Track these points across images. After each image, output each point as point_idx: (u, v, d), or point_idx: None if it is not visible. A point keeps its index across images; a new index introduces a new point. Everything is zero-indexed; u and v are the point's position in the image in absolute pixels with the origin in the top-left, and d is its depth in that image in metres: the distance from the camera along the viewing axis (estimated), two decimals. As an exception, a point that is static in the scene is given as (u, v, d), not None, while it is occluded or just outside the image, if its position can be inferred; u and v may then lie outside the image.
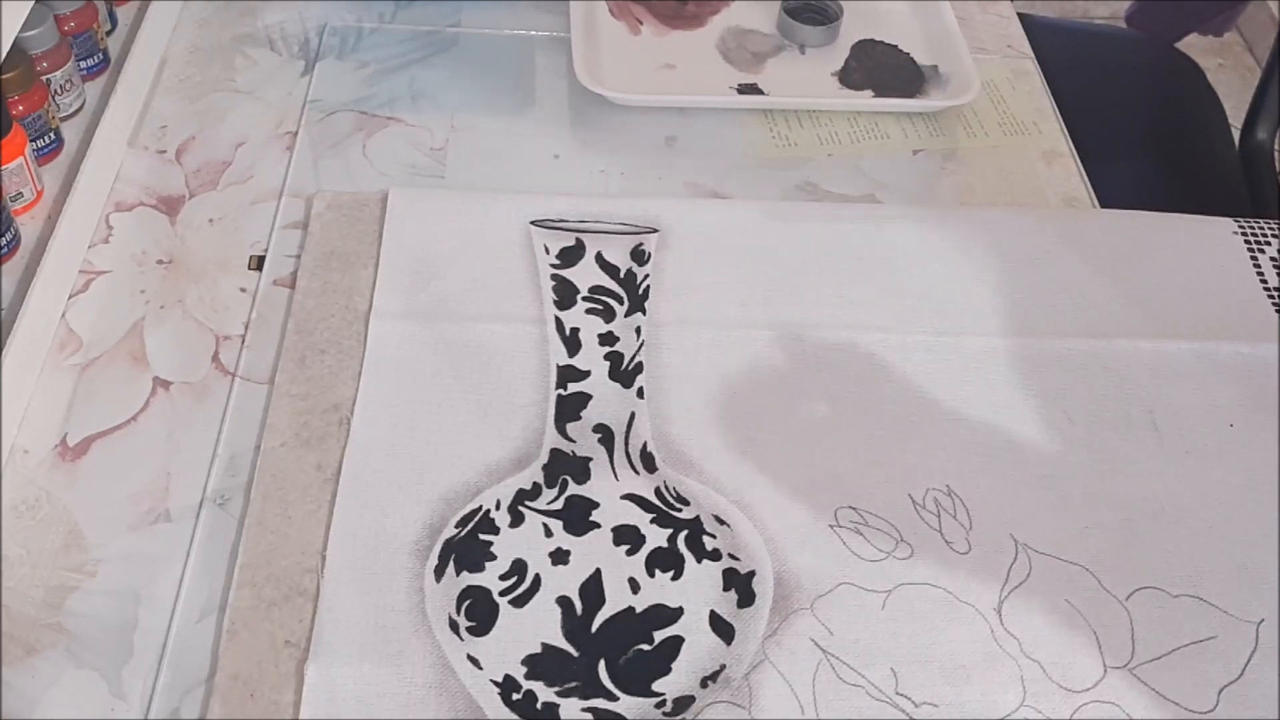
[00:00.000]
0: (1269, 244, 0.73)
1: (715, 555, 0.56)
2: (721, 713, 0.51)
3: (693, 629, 0.53)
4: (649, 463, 0.59)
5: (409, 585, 0.54)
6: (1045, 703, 0.52)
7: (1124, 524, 0.59)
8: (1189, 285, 0.70)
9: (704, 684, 0.52)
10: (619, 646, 0.52)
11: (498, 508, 0.57)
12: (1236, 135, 1.11)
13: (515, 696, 0.51)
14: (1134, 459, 0.61)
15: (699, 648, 0.53)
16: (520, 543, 0.55)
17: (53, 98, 0.69)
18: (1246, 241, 0.73)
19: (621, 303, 0.66)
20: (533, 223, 0.69)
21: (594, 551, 0.55)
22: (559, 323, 0.65)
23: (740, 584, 0.55)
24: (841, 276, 0.69)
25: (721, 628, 0.53)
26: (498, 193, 0.71)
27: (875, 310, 0.67)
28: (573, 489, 0.58)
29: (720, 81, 0.82)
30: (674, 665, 0.52)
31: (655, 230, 0.70)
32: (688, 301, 0.67)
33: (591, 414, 0.61)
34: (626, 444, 0.60)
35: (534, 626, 0.53)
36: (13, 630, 0.52)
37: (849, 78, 0.84)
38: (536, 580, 0.54)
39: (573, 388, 0.62)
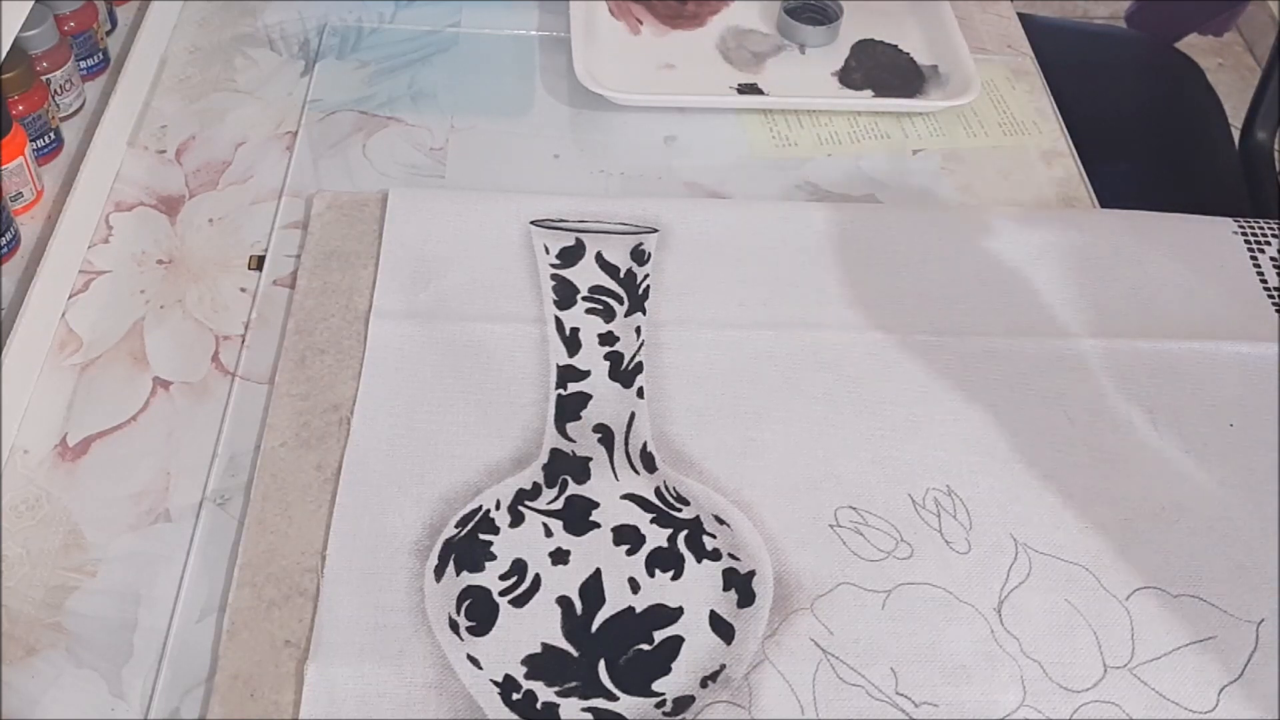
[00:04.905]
0: (1269, 244, 0.73)
1: (715, 555, 0.56)
2: (721, 713, 0.51)
3: (693, 629, 0.53)
4: (649, 463, 0.59)
5: (409, 585, 0.54)
6: (1045, 703, 0.52)
7: (1124, 524, 0.59)
8: (1189, 285, 0.70)
9: (704, 684, 0.52)
10: (619, 646, 0.52)
11: (498, 508, 0.57)
12: (1236, 135, 1.11)
13: (515, 696, 0.51)
14: (1134, 459, 0.61)
15: (699, 648, 0.53)
16: (520, 543, 0.55)
17: (53, 98, 0.69)
18: (1246, 241, 0.73)
19: (621, 303, 0.66)
20: (533, 223, 0.69)
21: (594, 551, 0.55)
22: (559, 323, 0.65)
23: (740, 584, 0.55)
24: (842, 276, 0.69)
25: (721, 628, 0.53)
26: (498, 193, 0.71)
27: (875, 310, 0.67)
28: (573, 489, 0.58)
29: (720, 81, 0.82)
30: (674, 665, 0.52)
31: (655, 230, 0.70)
32: (688, 301, 0.67)
33: (591, 414, 0.61)
34: (626, 444, 0.60)
35: (534, 626, 0.53)
36: (13, 630, 0.52)
37: (849, 78, 0.84)
38: (536, 580, 0.54)
39: (573, 387, 0.62)
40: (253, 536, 0.55)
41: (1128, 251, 0.72)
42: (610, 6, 0.87)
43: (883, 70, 0.84)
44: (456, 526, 0.56)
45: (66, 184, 0.68)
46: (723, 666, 0.52)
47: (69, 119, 0.72)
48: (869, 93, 0.83)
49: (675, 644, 0.53)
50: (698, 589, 0.54)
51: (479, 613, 0.53)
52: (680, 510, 0.57)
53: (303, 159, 0.74)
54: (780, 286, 0.68)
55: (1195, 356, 0.66)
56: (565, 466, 0.58)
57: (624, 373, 0.63)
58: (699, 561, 0.55)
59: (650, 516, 0.57)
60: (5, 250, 0.63)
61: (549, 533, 0.56)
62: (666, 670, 0.52)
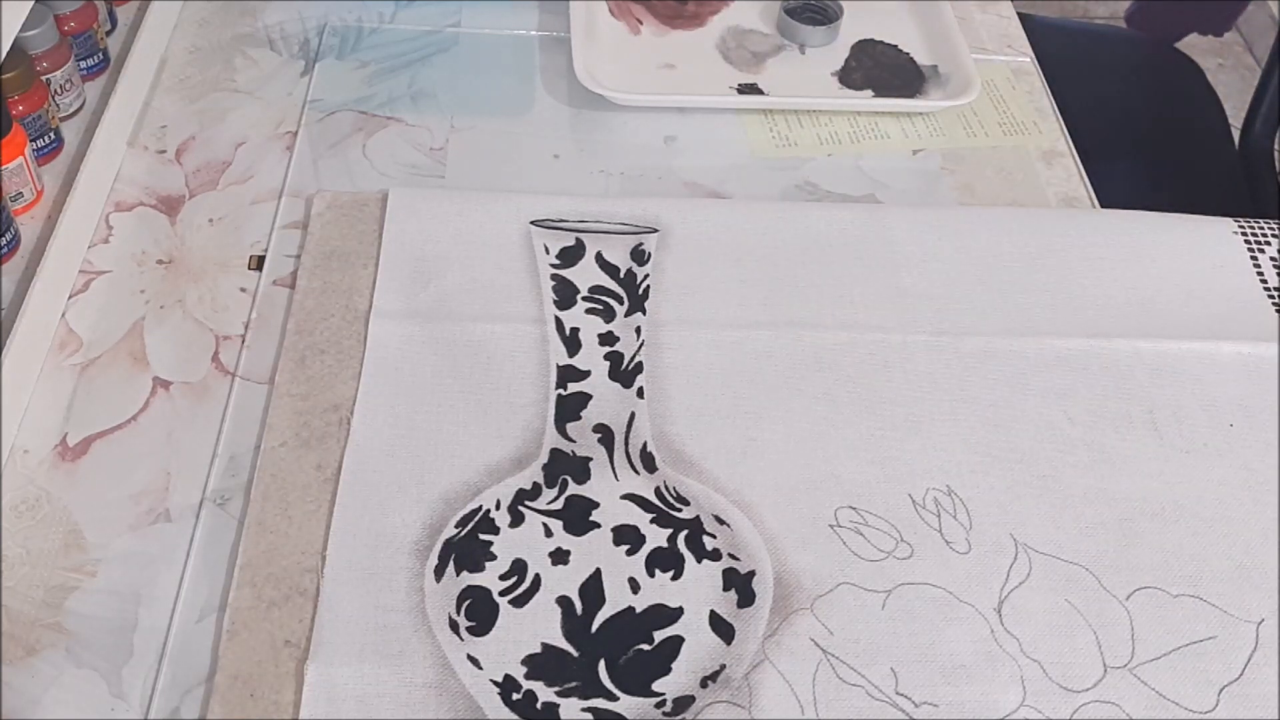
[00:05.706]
0: (1269, 244, 0.73)
1: (715, 555, 0.56)
2: (721, 713, 0.51)
3: (693, 629, 0.53)
4: (649, 463, 0.59)
5: (409, 585, 0.54)
6: (1045, 703, 0.52)
7: (1124, 524, 0.59)
8: (1189, 285, 0.70)
9: (704, 684, 0.52)
10: (619, 646, 0.52)
11: (498, 508, 0.57)
12: (1236, 135, 1.11)
13: (515, 696, 0.51)
14: (1134, 459, 0.61)
15: (699, 648, 0.53)
16: (520, 543, 0.55)
17: (53, 98, 0.69)
18: (1246, 241, 0.73)
19: (621, 302, 0.66)
20: (533, 223, 0.69)
21: (594, 551, 0.55)
22: (559, 323, 0.65)
23: (740, 584, 0.55)
24: (841, 276, 0.69)
25: (721, 628, 0.53)
26: (498, 193, 0.71)
27: (875, 310, 0.67)
28: (573, 489, 0.58)
29: (720, 81, 0.82)
30: (674, 665, 0.52)
31: (655, 230, 0.70)
32: (688, 301, 0.67)
33: (591, 414, 0.61)
34: (626, 444, 0.60)
35: (534, 626, 0.53)
36: (13, 630, 0.52)
37: (849, 78, 0.84)
38: (536, 580, 0.54)
39: (573, 387, 0.62)
40: (253, 536, 0.55)
41: (1127, 251, 0.72)
42: (610, 6, 0.87)
43: (883, 70, 0.84)
44: (456, 526, 0.56)
45: (66, 184, 0.68)
46: (723, 666, 0.52)
47: (69, 119, 0.72)
48: (869, 93, 0.83)
49: (675, 644, 0.53)
50: (698, 589, 0.54)
51: (479, 613, 0.53)
52: (680, 510, 0.57)
53: (303, 159, 0.74)
54: (780, 286, 0.68)
55: (1195, 356, 0.66)
56: (565, 466, 0.58)
57: (624, 373, 0.63)
58: (699, 561, 0.55)
59: (650, 516, 0.57)
60: (5, 250, 0.63)
61: (549, 533, 0.56)
62: (666, 670, 0.52)
